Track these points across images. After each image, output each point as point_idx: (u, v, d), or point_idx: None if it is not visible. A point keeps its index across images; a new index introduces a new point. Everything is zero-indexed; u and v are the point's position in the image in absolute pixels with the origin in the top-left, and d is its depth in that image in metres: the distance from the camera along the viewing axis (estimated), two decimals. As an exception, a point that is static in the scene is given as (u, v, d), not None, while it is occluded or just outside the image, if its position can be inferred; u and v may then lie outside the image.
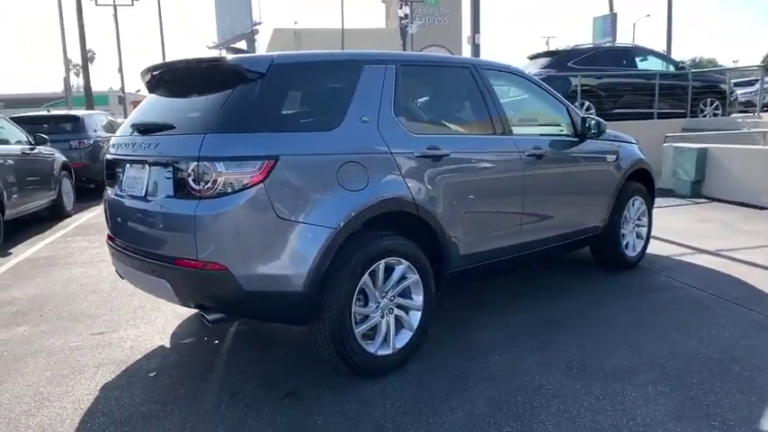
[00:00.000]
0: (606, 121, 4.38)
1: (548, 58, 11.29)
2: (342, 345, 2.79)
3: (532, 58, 11.93)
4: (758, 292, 4.11)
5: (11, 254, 6.14)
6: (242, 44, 47.94)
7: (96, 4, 23.02)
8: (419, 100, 3.45)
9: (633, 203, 4.77)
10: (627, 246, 4.75)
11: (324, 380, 2.96)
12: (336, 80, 2.99)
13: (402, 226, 3.07)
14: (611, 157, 4.44)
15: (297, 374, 3.05)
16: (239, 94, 2.66)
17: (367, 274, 2.85)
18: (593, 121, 4.10)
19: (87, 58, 19.64)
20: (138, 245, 2.90)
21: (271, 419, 2.62)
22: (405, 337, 3.08)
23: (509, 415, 2.59)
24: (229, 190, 2.53)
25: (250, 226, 2.57)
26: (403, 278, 3.05)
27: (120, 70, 29.42)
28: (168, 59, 3.05)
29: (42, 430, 2.61)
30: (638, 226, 4.88)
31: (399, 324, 3.08)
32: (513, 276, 4.57)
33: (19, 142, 7.34)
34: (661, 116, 11.17)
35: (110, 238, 3.28)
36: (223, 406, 2.77)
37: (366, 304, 2.93)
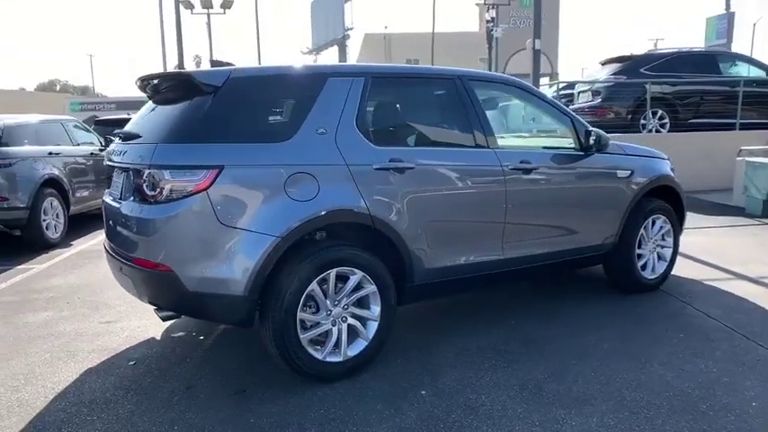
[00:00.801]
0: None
1: (618, 64, 10.71)
2: (285, 349, 2.90)
3: (604, 63, 11.38)
4: (780, 327, 3.73)
5: (71, 245, 6.81)
6: (334, 50, 49.51)
7: (192, 14, 24.53)
8: (391, 112, 3.46)
9: (654, 222, 4.48)
10: (644, 267, 4.48)
11: (275, 380, 3.08)
12: (296, 93, 3.10)
13: (362, 237, 3.13)
14: (622, 173, 4.20)
15: (257, 373, 3.19)
16: (193, 106, 2.85)
17: (315, 282, 2.93)
18: (593, 135, 3.91)
19: (183, 65, 21.11)
20: (115, 244, 3.17)
21: (210, 414, 2.78)
22: (359, 346, 3.13)
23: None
24: (175, 196, 2.72)
25: (194, 231, 2.75)
26: (359, 288, 3.10)
27: None
28: (156, 72, 3.29)
29: (20, 404, 2.94)
30: (661, 247, 4.58)
31: (354, 333, 3.13)
32: (510, 291, 4.46)
33: (91, 143, 8.10)
34: (747, 127, 10.26)
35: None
36: (176, 398, 2.96)
37: (317, 311, 3.01)
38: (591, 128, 3.95)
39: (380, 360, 3.26)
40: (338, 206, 2.97)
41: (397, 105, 3.49)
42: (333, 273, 2.99)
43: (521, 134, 5.20)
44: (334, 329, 3.05)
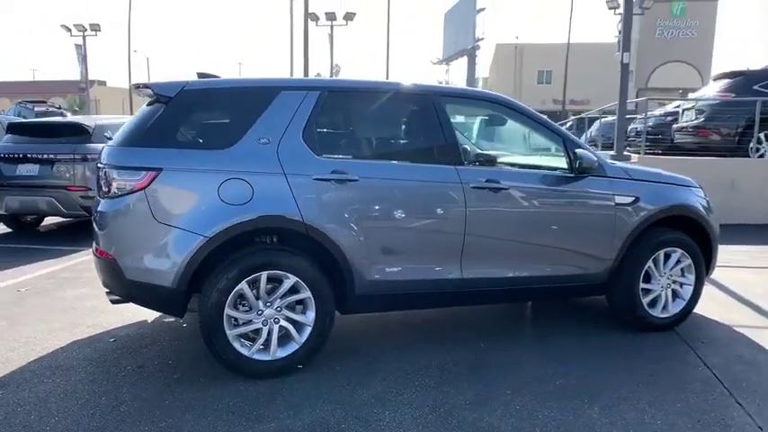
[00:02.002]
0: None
1: (729, 80, 9.64)
2: (212, 342, 3.11)
3: (716, 78, 10.33)
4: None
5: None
6: (463, 60, 49.47)
7: (316, 25, 26.02)
8: (343, 126, 3.54)
9: (669, 255, 4.06)
10: (654, 304, 4.07)
11: (210, 371, 3.28)
12: (245, 104, 3.29)
13: (303, 244, 3.25)
14: (623, 199, 3.86)
15: (203, 362, 3.40)
16: (149, 113, 3.18)
17: (245, 282, 3.11)
18: (578, 158, 3.66)
19: (307, 73, 22.51)
20: None
21: (137, 391, 3.07)
22: (291, 348, 3.25)
23: (310, 438, 2.63)
24: (120, 193, 3.05)
25: (132, 225, 3.06)
26: (295, 292, 3.23)
27: None
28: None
29: (6, 361, 3.45)
30: (679, 284, 4.13)
31: (288, 335, 3.26)
32: (501, 313, 4.29)
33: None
34: None
35: None
36: (122, 374, 3.30)
37: (250, 310, 3.19)
38: (578, 150, 3.69)
39: (318, 364, 3.35)
40: (269, 212, 3.12)
41: (352, 119, 3.56)
42: (264, 275, 3.14)
43: (524, 153, 4.95)
44: (265, 329, 3.20)
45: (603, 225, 3.83)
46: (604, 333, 4.05)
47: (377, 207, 3.35)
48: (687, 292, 4.16)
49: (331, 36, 27.91)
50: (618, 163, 4.29)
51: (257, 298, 3.17)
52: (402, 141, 3.67)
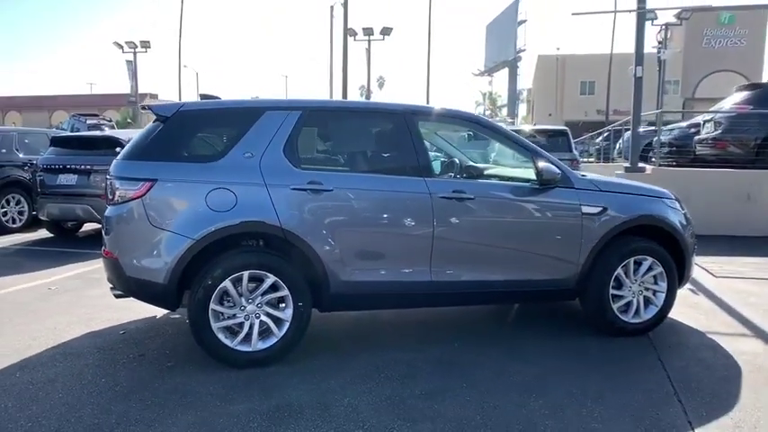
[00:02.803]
0: None
1: (748, 92, 9.59)
2: (198, 333, 3.51)
3: (737, 90, 10.26)
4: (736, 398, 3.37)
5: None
6: (504, 71, 49.48)
7: (354, 40, 26.65)
8: (321, 141, 3.90)
9: (640, 263, 4.25)
10: (626, 310, 4.26)
11: (202, 360, 3.66)
12: (234, 123, 3.71)
13: (282, 247, 3.63)
14: (589, 209, 4.08)
15: (198, 353, 3.78)
16: (149, 131, 3.64)
17: (229, 280, 3.50)
18: (540, 171, 3.91)
19: (346, 91, 23.14)
20: None
21: (133, 375, 3.49)
22: (270, 341, 3.62)
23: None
24: (121, 200, 3.50)
25: (131, 228, 3.50)
26: (275, 290, 3.59)
27: (367, 98, 33.69)
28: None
29: (27, 347, 3.94)
30: (653, 292, 4.30)
31: (268, 329, 3.62)
32: (473, 313, 4.55)
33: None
34: None
35: None
36: (123, 360, 3.73)
37: (234, 306, 3.57)
38: (540, 164, 3.94)
39: (297, 358, 3.68)
40: (250, 218, 3.51)
41: (330, 135, 3.93)
42: (246, 274, 3.52)
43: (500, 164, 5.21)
44: (247, 323, 3.58)
45: (570, 233, 4.06)
46: (577, 337, 4.25)
47: (350, 214, 3.70)
48: (660, 298, 4.32)
49: (368, 51, 28.53)
50: (592, 175, 4.51)
51: (240, 295, 3.55)
52: (376, 155, 4.02)
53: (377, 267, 3.78)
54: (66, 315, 4.69)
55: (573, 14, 39.17)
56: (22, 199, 9.06)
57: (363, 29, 28.25)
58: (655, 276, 4.30)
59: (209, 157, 3.60)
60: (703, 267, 6.57)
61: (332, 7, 29.25)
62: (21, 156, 9.22)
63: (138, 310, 4.72)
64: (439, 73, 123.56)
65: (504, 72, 49.09)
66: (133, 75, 34.26)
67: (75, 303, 5.04)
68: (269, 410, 3.06)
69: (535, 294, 4.21)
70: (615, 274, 4.19)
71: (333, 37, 28.38)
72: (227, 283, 3.50)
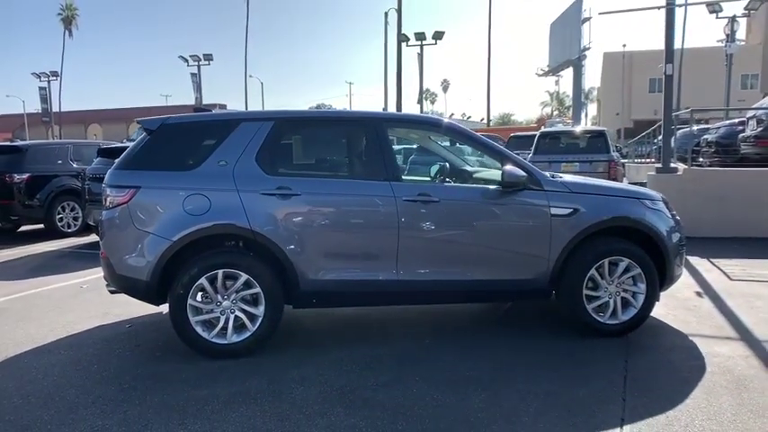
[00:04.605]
0: None
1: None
2: (178, 326, 3.86)
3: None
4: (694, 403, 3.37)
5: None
6: (569, 70, 48.15)
7: (407, 45, 26.92)
8: (292, 149, 4.16)
9: (616, 264, 4.25)
10: (602, 311, 4.28)
11: (189, 351, 4.02)
12: (212, 134, 4.04)
13: (254, 248, 3.93)
14: (559, 210, 4.13)
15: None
16: (136, 143, 4.03)
17: (205, 278, 3.83)
18: (503, 174, 4.02)
19: (401, 97, 23.54)
20: None
21: (126, 363, 3.90)
22: (244, 334, 3.92)
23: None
24: (112, 206, 3.92)
25: (119, 230, 3.91)
26: (247, 287, 3.90)
27: (420, 101, 33.90)
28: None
29: (43, 337, 4.44)
30: (632, 293, 4.29)
31: (243, 324, 3.93)
32: (457, 312, 4.68)
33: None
34: None
35: None
36: (119, 349, 4.16)
37: (211, 302, 3.91)
38: (505, 167, 4.04)
39: (270, 351, 3.97)
40: (222, 221, 3.84)
41: (301, 143, 4.19)
42: (220, 272, 3.85)
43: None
44: (223, 318, 3.90)
45: (537, 234, 4.13)
46: (552, 337, 4.30)
47: (317, 217, 3.95)
48: (639, 300, 4.30)
49: (420, 55, 28.77)
50: (566, 177, 4.55)
51: (216, 291, 3.88)
52: (344, 161, 4.25)
53: (345, 267, 4.01)
54: (86, 310, 5.20)
55: (600, 14, 37.60)
56: (76, 206, 9.89)
57: (415, 34, 28.48)
58: (633, 278, 4.29)
59: (188, 166, 3.95)
60: (722, 270, 6.39)
61: (386, 13, 29.76)
62: (75, 166, 10.07)
63: (150, 306, 5.14)
64: (503, 73, 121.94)
65: (567, 71, 47.84)
66: (197, 87, 36.12)
67: (97, 300, 5.56)
68: (227, 395, 3.36)
69: (504, 293, 4.31)
70: (589, 274, 4.21)
71: (387, 43, 28.82)
72: (203, 281, 3.83)
